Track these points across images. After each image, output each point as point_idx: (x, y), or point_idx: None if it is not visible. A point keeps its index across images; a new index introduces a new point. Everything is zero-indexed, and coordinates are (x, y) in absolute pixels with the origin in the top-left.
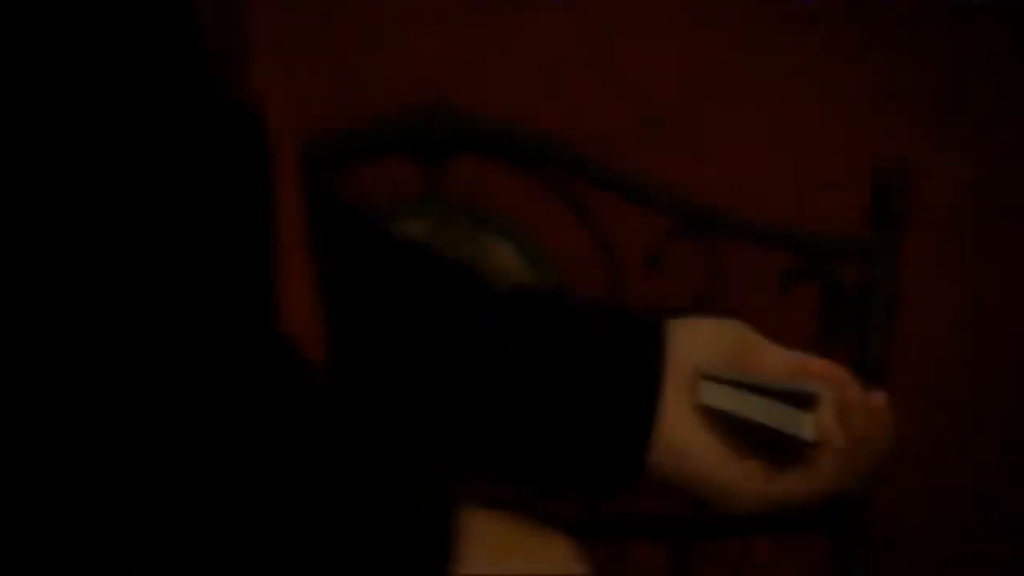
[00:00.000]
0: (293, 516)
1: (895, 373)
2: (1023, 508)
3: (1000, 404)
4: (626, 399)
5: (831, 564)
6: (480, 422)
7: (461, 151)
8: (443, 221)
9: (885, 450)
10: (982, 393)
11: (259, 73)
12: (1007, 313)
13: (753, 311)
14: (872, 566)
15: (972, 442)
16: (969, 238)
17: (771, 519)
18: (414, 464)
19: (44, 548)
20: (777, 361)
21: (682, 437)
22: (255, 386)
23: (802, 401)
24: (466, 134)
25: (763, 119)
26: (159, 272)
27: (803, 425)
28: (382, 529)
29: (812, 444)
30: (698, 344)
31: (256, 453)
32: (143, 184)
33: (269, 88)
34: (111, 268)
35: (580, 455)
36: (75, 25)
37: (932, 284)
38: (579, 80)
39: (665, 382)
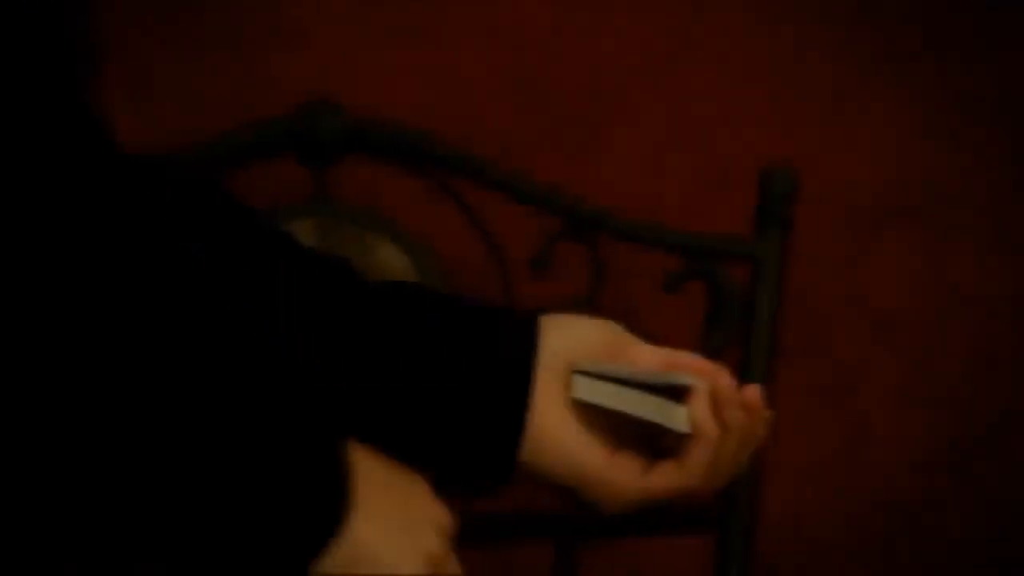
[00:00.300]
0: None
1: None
2: (912, 518)
3: (887, 406)
4: (497, 394)
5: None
6: (348, 414)
7: (349, 152)
8: (330, 223)
9: (758, 444)
10: (869, 395)
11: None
12: (893, 312)
13: (642, 312)
14: (752, 568)
15: (860, 444)
16: (858, 238)
17: (659, 519)
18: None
19: None
20: (648, 359)
21: (553, 431)
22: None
23: (675, 393)
24: (354, 135)
25: (662, 121)
26: None
27: (676, 416)
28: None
29: (686, 435)
30: (571, 340)
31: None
32: None
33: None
34: None
35: (450, 450)
36: None
37: (818, 284)
38: (479, 80)
39: (537, 377)
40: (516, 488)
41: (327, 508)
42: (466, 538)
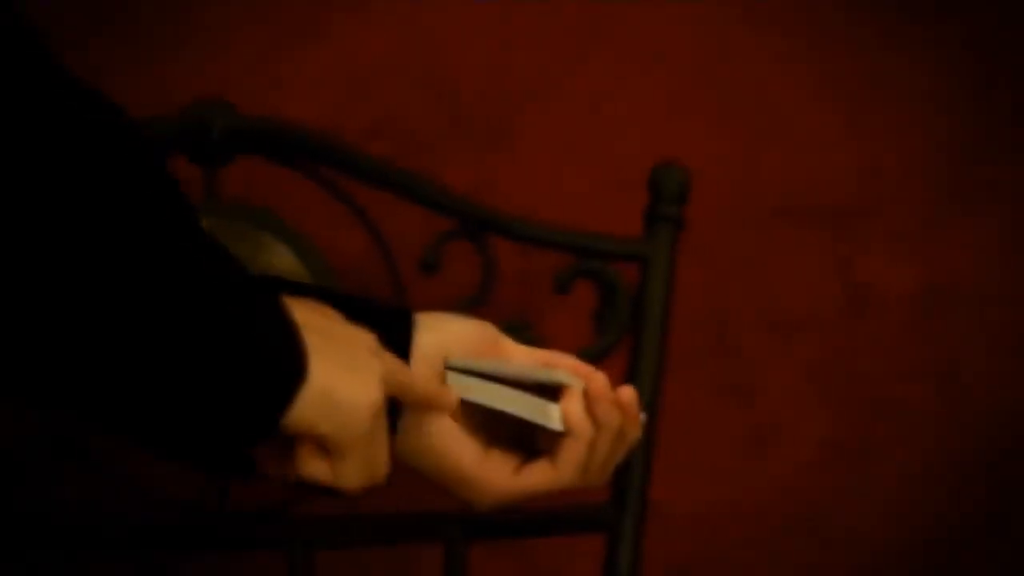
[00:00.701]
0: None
1: (684, 374)
2: (815, 517)
3: (791, 406)
4: None
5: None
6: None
7: (241, 152)
8: (222, 223)
9: (632, 444)
10: (773, 395)
11: None
12: (795, 311)
13: (540, 313)
14: (642, 567)
15: (765, 443)
16: (760, 238)
17: (552, 520)
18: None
19: None
20: (522, 359)
21: (425, 427)
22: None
23: (550, 392)
24: (244, 134)
25: (567, 120)
26: None
27: (550, 414)
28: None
29: (559, 433)
30: (445, 338)
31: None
32: None
33: None
34: None
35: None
36: None
37: (720, 284)
38: (384, 81)
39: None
40: (405, 489)
41: (288, 359)
42: (357, 539)
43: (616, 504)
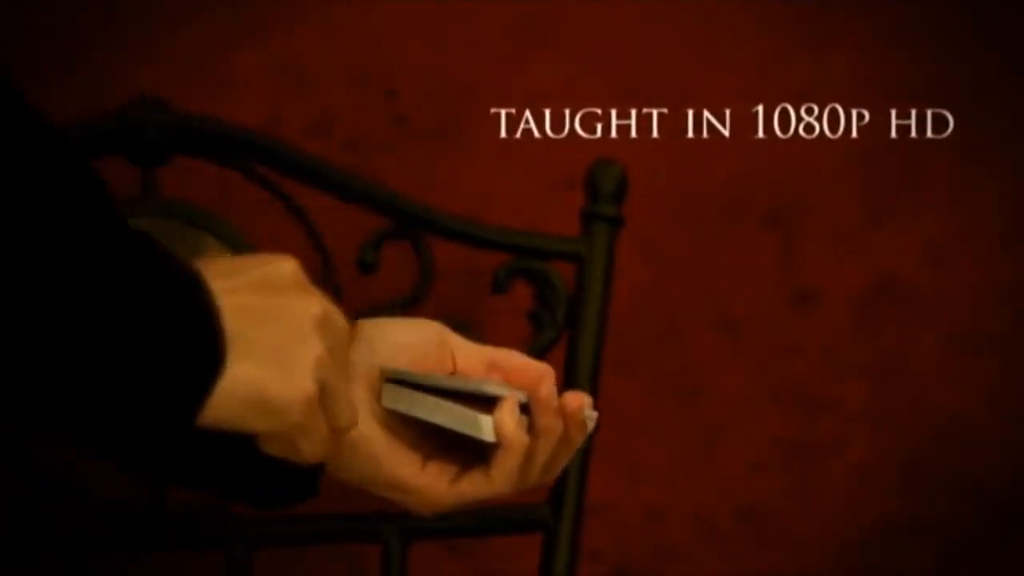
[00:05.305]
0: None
1: (631, 375)
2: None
3: (737, 406)
4: None
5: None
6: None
7: (178, 151)
8: (158, 223)
9: (576, 449)
10: (720, 395)
11: None
12: (742, 312)
13: (478, 311)
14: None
15: (712, 444)
16: (706, 238)
17: (491, 521)
18: None
19: None
20: (471, 361)
21: (359, 440)
22: None
23: (484, 401)
24: (181, 134)
25: (510, 119)
26: None
27: (482, 426)
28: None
29: (492, 445)
30: (387, 346)
31: None
32: None
33: None
34: None
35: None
36: None
37: (667, 284)
38: (325, 81)
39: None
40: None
41: (202, 351)
42: (296, 539)
43: (552, 504)
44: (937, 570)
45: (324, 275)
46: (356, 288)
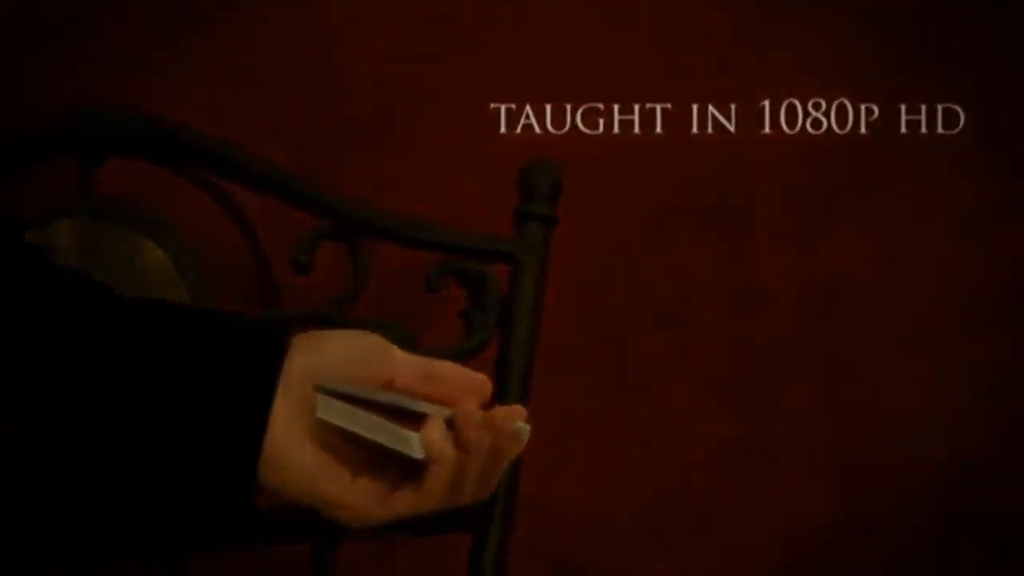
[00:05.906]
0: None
1: (571, 376)
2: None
3: (682, 404)
4: (233, 419)
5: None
6: (86, 439)
7: (114, 151)
8: (97, 224)
9: (510, 460)
10: (664, 394)
11: None
12: (684, 310)
13: (414, 311)
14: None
15: (655, 442)
16: (648, 237)
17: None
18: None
19: None
20: (409, 371)
21: (290, 455)
22: None
23: (414, 417)
24: (119, 135)
25: (459, 119)
26: None
27: (410, 443)
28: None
29: (421, 461)
30: (323, 358)
31: None
32: None
33: None
34: None
35: (186, 478)
36: None
37: (610, 284)
38: (274, 80)
39: (278, 399)
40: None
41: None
42: (224, 539)
43: (482, 505)
44: (882, 570)
45: (260, 275)
46: (292, 288)
